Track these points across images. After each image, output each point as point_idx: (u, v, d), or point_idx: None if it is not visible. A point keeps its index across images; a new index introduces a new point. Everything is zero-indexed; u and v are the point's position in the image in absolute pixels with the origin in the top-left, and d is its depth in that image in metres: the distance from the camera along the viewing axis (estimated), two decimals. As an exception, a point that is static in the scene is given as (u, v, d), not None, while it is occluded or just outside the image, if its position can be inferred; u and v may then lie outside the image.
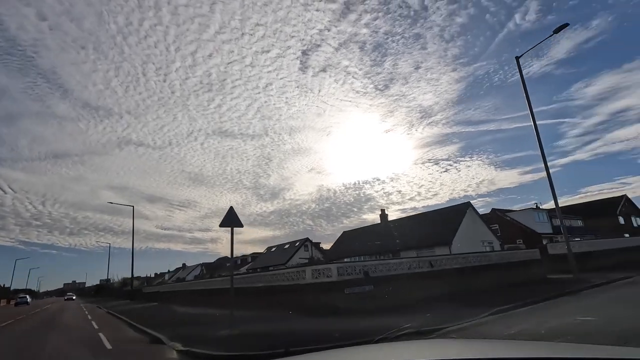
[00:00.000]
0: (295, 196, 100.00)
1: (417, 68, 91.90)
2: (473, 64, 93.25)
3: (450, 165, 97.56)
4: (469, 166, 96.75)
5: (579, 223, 47.79)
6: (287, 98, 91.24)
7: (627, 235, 44.16)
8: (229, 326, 8.44)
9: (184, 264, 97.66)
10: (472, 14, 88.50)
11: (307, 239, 51.25)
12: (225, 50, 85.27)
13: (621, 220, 52.04)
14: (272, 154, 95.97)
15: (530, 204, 41.24)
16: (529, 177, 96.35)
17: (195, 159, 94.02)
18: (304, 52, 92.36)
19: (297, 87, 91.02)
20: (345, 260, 28.91)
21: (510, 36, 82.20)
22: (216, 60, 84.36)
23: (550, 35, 14.70)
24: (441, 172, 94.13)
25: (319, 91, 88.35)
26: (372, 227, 40.47)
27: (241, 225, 8.44)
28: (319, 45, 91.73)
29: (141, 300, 36.87)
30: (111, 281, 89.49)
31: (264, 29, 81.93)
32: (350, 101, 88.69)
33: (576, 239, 26.42)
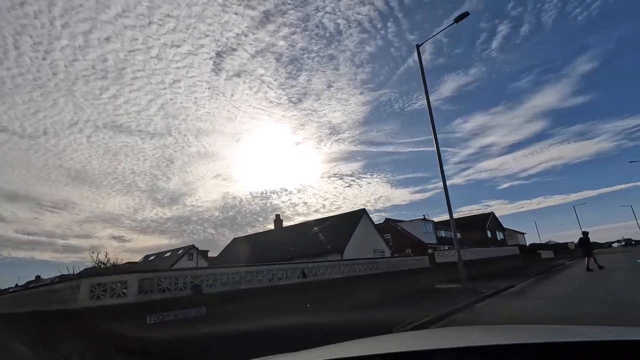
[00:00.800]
0: (197, 202, 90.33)
1: (330, 87, 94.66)
2: (378, 90, 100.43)
3: (354, 181, 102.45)
4: (369, 183, 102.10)
5: (458, 235, 52.19)
6: (196, 98, 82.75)
7: (492, 246, 49.36)
8: None
9: (37, 276, 78.90)
10: (380, 45, 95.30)
11: (192, 246, 44.94)
12: (127, 36, 73.43)
13: (489, 233, 59.02)
14: (175, 156, 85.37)
15: (419, 214, 44.30)
16: (417, 196, 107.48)
17: (78, 153, 77.58)
18: (219, 54, 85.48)
19: (209, 88, 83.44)
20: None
21: (410, 71, 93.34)
22: (115, 45, 71.95)
23: (451, 24, 13.60)
24: (345, 187, 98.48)
25: (232, 96, 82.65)
26: (266, 234, 36.95)
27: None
28: (235, 50, 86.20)
29: None
30: None
31: (176, 21, 73.10)
32: (263, 110, 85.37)
33: (461, 250, 27.52)
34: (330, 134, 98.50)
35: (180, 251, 45.00)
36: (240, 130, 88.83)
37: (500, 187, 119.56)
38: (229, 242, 40.45)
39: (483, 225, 58.43)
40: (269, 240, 34.52)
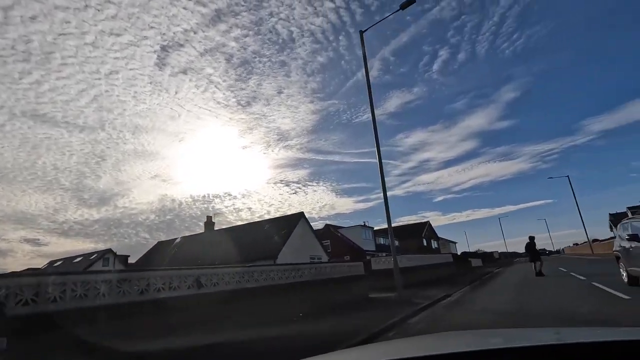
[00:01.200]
0: (131, 204, 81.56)
1: (280, 93, 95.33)
2: (328, 101, 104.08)
3: (300, 188, 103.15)
4: (315, 190, 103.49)
5: (396, 243, 52.91)
6: (136, 92, 75.24)
7: (428, 254, 50.69)
8: None
9: None
10: (331, 57, 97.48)
11: (108, 250, 39.59)
12: (58, 18, 64.35)
13: (424, 242, 60.92)
14: (108, 153, 76.18)
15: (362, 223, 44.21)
16: (361, 205, 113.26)
17: (-15, 142, 65.52)
18: (164, 48, 79.20)
19: (151, 83, 76.46)
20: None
21: (358, 84, 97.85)
22: (42, 26, 62.56)
23: (397, 11, 12.62)
24: (291, 194, 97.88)
25: (176, 93, 76.63)
26: (195, 237, 33.54)
27: None
28: (182, 45, 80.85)
29: None
30: None
31: (117, 8, 65.93)
32: (210, 110, 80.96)
33: (398, 257, 27.03)
34: (278, 139, 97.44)
35: (94, 256, 39.42)
36: (183, 129, 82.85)
37: (436, 200, 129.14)
38: (153, 245, 36.18)
39: (419, 234, 60.15)
40: (197, 244, 31.25)
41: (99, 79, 70.93)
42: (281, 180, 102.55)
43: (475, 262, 43.28)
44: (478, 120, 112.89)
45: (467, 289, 14.90)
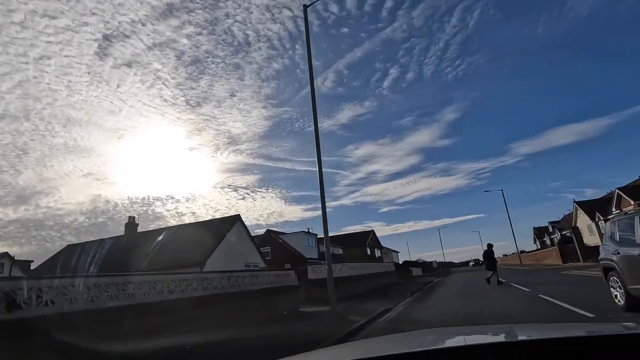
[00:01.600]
0: (57, 204, 71.07)
1: (232, 96, 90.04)
2: (281, 107, 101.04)
3: (248, 194, 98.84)
4: (264, 197, 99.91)
5: (340, 251, 51.84)
6: (70, 82, 66.36)
7: (371, 262, 50.32)
8: None
9: None
10: (287, 64, 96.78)
11: (4, 254, 33.29)
12: None
13: (368, 250, 60.84)
14: (32, 146, 65.63)
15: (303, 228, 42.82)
16: (309, 214, 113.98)
17: None
18: (107, 37, 71.46)
19: (89, 73, 68.04)
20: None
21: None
22: None
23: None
24: (238, 199, 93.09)
25: (118, 86, 69.14)
26: (111, 240, 29.17)
27: None
28: (128, 36, 73.67)
29: None
30: None
31: None
32: (155, 108, 73.52)
33: (337, 265, 25.54)
34: (228, 143, 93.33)
35: (-16, 260, 32.88)
36: (124, 126, 75.16)
37: (381, 211, 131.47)
38: (60, 249, 30.95)
39: (364, 243, 59.94)
40: (117, 248, 27.09)
41: (27, 62, 61.80)
42: (229, 185, 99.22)
43: (416, 271, 43.57)
44: (422, 137, 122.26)
45: (409, 300, 13.63)
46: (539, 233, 76.39)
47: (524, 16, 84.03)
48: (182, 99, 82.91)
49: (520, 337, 1.46)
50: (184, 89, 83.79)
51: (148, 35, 72.66)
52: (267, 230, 37.07)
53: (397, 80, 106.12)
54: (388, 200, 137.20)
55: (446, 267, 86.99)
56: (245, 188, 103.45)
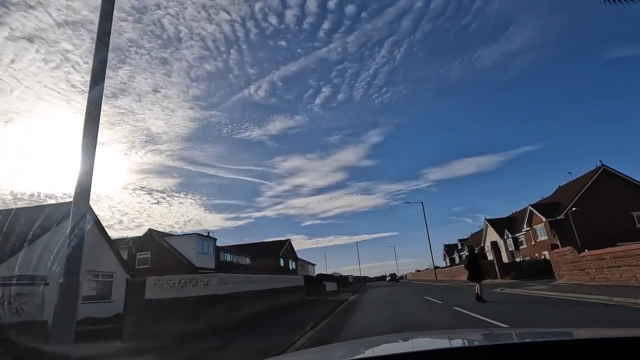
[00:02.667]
0: None
1: (156, 91, 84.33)
2: (210, 111, 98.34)
3: (164, 198, 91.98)
4: (181, 203, 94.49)
5: (247, 261, 44.98)
6: None
7: (281, 274, 44.52)
8: None
9: None
10: (220, 67, 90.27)
11: None
12: None
13: (282, 261, 54.90)
14: None
15: (228, 242, 36.84)
16: (230, 223, 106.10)
17: None
18: (3, 3, 56.59)
19: None
20: None
21: (244, 101, 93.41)
22: None
23: None
24: (152, 204, 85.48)
25: (13, 62, 55.20)
26: None
27: None
28: (32, 7, 60.33)
29: None
30: None
31: None
32: (59, 92, 65.21)
33: (209, 276, 19.10)
34: (146, 141, 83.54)
35: None
36: (15, 108, 59.10)
37: (304, 224, 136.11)
38: None
39: (277, 253, 53.80)
40: None
41: None
42: (142, 187, 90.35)
43: (331, 286, 38.96)
44: (348, 156, 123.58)
45: (309, 335, 7.96)
46: (449, 250, 79.00)
47: (442, 58, 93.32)
48: None
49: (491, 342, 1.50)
50: None
51: (59, 10, 59.20)
52: (149, 229, 28.73)
53: (328, 98, 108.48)
54: (311, 214, 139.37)
55: (362, 282, 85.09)
56: (162, 192, 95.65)
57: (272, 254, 52.69)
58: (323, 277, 47.53)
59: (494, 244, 30.68)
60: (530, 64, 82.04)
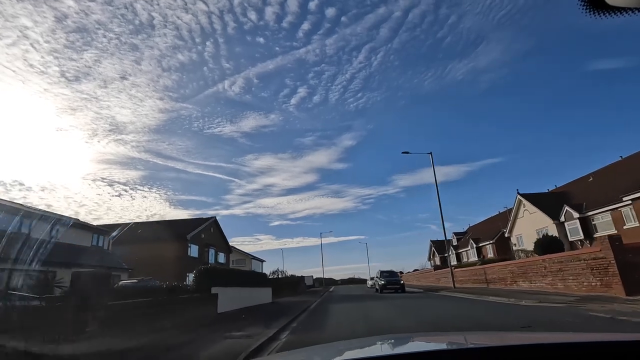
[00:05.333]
0: None
1: (124, 78, 79.48)
2: (181, 103, 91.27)
3: (126, 191, 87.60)
4: (145, 197, 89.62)
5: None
6: None
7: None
8: None
9: None
10: (194, 59, 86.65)
11: None
12: None
13: (193, 249, 34.51)
14: None
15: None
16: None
17: None
18: None
19: None
20: None
21: (218, 96, 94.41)
22: None
23: None
24: (113, 196, 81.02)
25: None
26: None
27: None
28: None
29: None
30: None
31: None
32: (14, 72, 56.03)
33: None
34: (110, 130, 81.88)
35: None
36: None
37: (272, 224, 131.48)
38: None
39: (183, 236, 33.36)
40: None
41: None
42: (103, 178, 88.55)
43: (259, 294, 19.35)
44: (320, 158, 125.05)
45: None
46: (439, 247, 61.46)
47: (416, 68, 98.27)
48: (56, 68, 69.54)
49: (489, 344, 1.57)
50: (60, 57, 70.34)
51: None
52: None
53: (304, 99, 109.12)
54: (280, 215, 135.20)
55: (325, 286, 66.02)
56: (124, 184, 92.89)
57: (177, 237, 32.26)
58: (263, 277, 27.76)
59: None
60: (495, 81, 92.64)
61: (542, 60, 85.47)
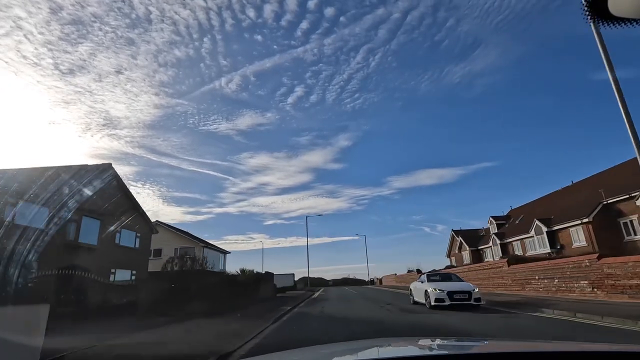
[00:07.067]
0: None
1: (119, 73, 76.45)
2: (177, 99, 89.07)
3: None
4: (138, 193, 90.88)
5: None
6: None
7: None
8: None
9: None
10: (191, 55, 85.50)
11: None
12: None
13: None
14: None
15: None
16: (189, 217, 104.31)
17: None
18: None
19: None
20: None
21: (214, 93, 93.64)
22: None
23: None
24: None
25: None
26: None
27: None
28: None
29: None
30: None
31: None
32: (7, 63, 51.46)
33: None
34: (104, 125, 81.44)
35: None
36: None
37: (266, 223, 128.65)
38: None
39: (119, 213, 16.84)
40: None
41: None
42: None
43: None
44: (316, 158, 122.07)
45: None
46: (467, 237, 45.46)
47: (413, 70, 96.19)
48: (50, 60, 68.50)
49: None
50: (54, 49, 69.39)
51: (9, -30, 32.58)
52: None
53: (301, 98, 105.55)
54: (274, 214, 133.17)
55: (311, 287, 49.63)
56: None
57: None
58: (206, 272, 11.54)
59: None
60: (490, 86, 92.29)
61: (538, 66, 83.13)
